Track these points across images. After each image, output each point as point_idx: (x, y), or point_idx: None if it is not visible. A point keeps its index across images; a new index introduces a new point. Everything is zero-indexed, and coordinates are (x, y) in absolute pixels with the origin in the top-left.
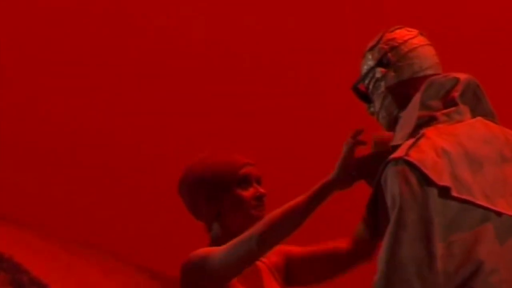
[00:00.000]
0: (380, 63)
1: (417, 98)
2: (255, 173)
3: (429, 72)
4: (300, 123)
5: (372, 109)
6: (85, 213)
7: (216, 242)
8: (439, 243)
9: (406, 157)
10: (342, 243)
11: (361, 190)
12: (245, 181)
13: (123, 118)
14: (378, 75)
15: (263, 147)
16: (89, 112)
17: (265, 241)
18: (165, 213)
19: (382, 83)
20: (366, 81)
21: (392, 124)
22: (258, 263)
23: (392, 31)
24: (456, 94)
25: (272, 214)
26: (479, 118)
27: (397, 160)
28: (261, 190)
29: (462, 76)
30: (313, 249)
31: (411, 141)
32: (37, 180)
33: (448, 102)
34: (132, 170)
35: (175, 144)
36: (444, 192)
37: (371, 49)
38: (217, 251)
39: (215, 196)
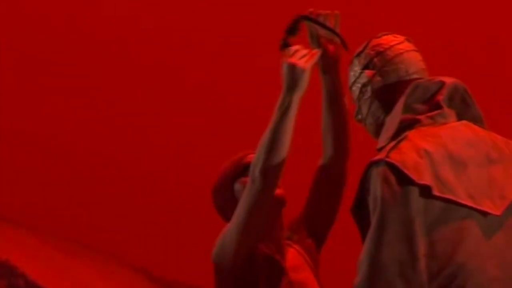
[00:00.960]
0: (366, 68)
1: (401, 101)
2: None
3: (414, 76)
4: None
5: (359, 116)
6: (82, 214)
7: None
8: (422, 243)
9: (386, 159)
10: (321, 162)
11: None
12: (247, 168)
13: (120, 118)
14: (364, 80)
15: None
16: (86, 112)
17: (266, 170)
18: (163, 215)
19: (369, 88)
20: (354, 88)
21: (379, 129)
22: (290, 250)
23: (379, 37)
24: (441, 97)
25: (258, 146)
26: (464, 121)
27: (378, 162)
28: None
29: (448, 80)
30: (307, 199)
31: (392, 143)
32: (33, 180)
33: (433, 105)
34: (130, 170)
35: (175, 145)
36: (425, 191)
37: (358, 55)
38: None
39: (227, 192)
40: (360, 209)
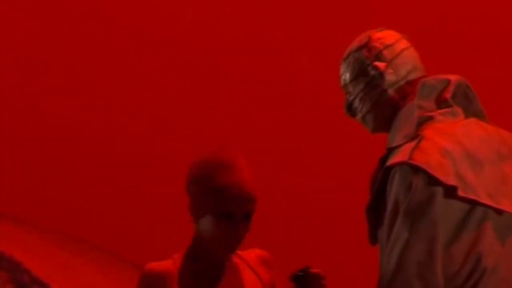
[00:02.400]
0: (377, 59)
1: (414, 99)
2: (244, 210)
3: (420, 72)
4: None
5: (355, 109)
6: (85, 212)
7: (194, 244)
8: (440, 245)
9: (410, 161)
10: None
11: (365, 184)
12: (228, 215)
13: (123, 117)
14: (374, 72)
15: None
16: (88, 109)
17: None
18: (166, 213)
19: (380, 81)
20: (355, 82)
21: (382, 124)
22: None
23: (380, 31)
24: (448, 95)
25: None
26: (472, 119)
27: (401, 165)
28: (239, 231)
29: (453, 78)
30: None
31: (412, 143)
32: (36, 178)
33: (441, 103)
34: (133, 168)
35: (178, 143)
36: (451, 192)
37: (360, 48)
38: None
39: (199, 206)
40: (375, 210)
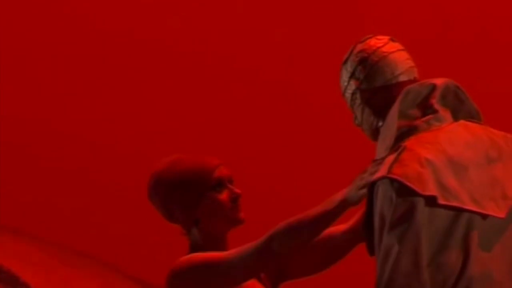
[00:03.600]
0: (352, 76)
1: (395, 108)
2: (227, 173)
3: (402, 78)
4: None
5: (356, 121)
6: (85, 224)
7: (196, 248)
8: (425, 255)
9: (389, 175)
10: (336, 231)
11: None
12: (219, 184)
13: (127, 127)
14: (353, 88)
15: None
16: (91, 119)
17: (283, 244)
18: (168, 227)
19: (358, 96)
20: (346, 95)
21: (375, 135)
22: None
23: (362, 42)
24: (433, 100)
25: (291, 220)
26: (461, 121)
27: (382, 180)
28: (236, 190)
29: (439, 81)
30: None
31: (392, 156)
32: (36, 190)
33: (427, 109)
34: (134, 180)
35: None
36: (431, 201)
37: (345, 62)
38: (223, 257)
39: (190, 203)
40: (368, 228)
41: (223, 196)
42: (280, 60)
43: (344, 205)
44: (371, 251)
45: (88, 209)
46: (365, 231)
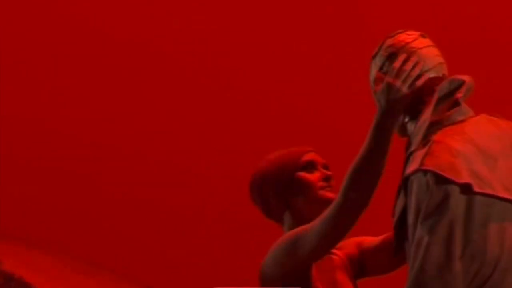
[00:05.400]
0: (381, 70)
1: (430, 103)
2: (319, 159)
3: (431, 74)
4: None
5: None
6: (97, 234)
7: None
8: (459, 245)
9: (422, 167)
10: None
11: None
12: (310, 165)
13: (125, 124)
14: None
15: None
16: (99, 124)
17: (357, 189)
18: (179, 235)
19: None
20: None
21: (403, 130)
22: (333, 257)
23: (392, 36)
24: (460, 95)
25: (349, 169)
26: (483, 114)
27: (415, 174)
28: (328, 172)
29: (467, 78)
30: (384, 237)
31: (424, 150)
32: (48, 199)
33: (453, 103)
34: (148, 192)
35: (197, 162)
36: (466, 189)
37: (374, 57)
38: (309, 227)
39: (283, 185)
40: (400, 227)
41: (314, 176)
42: (280, 60)
43: (379, 121)
44: (397, 251)
45: (101, 219)
46: (395, 230)
